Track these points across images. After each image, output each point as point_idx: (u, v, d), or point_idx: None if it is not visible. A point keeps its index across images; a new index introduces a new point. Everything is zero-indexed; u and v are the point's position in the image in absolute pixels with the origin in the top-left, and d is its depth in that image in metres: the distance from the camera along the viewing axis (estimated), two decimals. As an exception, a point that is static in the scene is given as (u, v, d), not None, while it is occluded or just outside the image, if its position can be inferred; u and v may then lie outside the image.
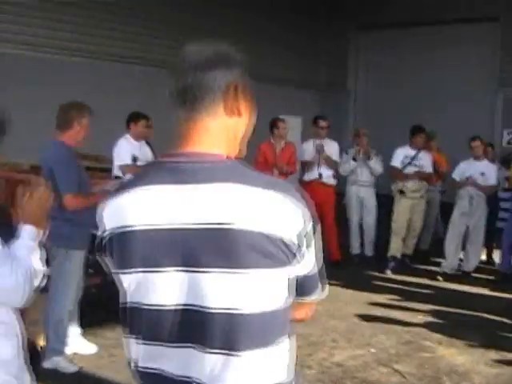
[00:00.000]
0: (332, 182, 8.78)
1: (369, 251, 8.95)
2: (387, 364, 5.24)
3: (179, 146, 1.54)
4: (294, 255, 1.47)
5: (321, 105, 16.44)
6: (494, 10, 13.77)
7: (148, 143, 7.38)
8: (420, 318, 6.55)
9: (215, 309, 1.43)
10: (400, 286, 7.87)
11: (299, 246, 1.47)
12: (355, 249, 9.02)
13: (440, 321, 6.51)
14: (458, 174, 8.41)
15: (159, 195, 1.47)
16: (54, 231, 4.23)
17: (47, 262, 4.45)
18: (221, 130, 1.53)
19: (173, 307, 1.47)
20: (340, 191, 9.12)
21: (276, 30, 14.80)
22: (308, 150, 8.79)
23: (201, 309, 1.44)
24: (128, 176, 6.71)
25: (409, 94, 15.20)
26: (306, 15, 15.65)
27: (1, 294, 2.03)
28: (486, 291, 7.81)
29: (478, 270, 8.57)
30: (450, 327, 6.27)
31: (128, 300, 1.56)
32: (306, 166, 8.79)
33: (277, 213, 1.43)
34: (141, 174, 1.57)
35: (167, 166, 1.51)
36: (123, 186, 1.55)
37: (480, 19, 14.08)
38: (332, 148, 8.80)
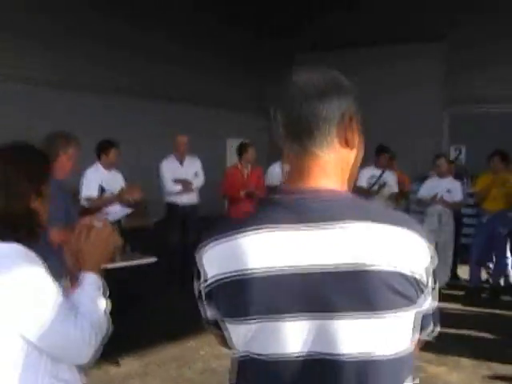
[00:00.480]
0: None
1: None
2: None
3: (294, 182, 1.44)
4: (423, 292, 1.39)
5: (269, 127, 16.55)
6: (440, 28, 14.18)
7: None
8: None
9: (349, 355, 1.34)
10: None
11: (427, 284, 1.40)
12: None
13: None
14: (424, 192, 8.51)
15: (279, 236, 1.36)
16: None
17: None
18: (336, 163, 1.45)
19: (298, 356, 1.36)
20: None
21: (218, 59, 14.96)
22: (275, 173, 8.72)
23: (332, 356, 1.34)
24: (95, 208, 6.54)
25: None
26: (250, 41, 15.85)
27: (64, 350, 1.86)
28: (459, 306, 7.88)
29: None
30: (436, 345, 6.23)
31: (241, 349, 1.44)
32: (273, 190, 8.68)
33: (409, 250, 1.36)
34: (254, 214, 1.45)
35: (285, 203, 1.41)
36: (232, 227, 1.42)
37: (427, 39, 14.50)
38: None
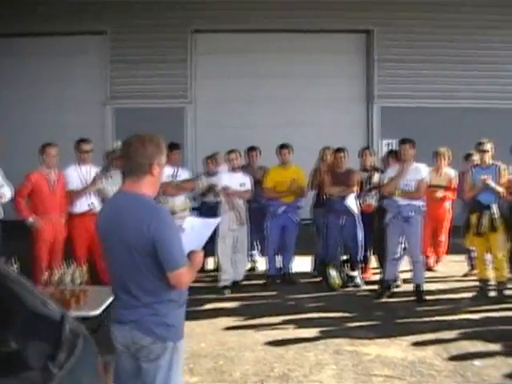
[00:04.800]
0: (102, 210, 7.97)
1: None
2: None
3: None
4: None
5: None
6: (102, 24, 14.08)
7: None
8: (303, 331, 6.74)
9: None
10: (209, 307, 7.79)
11: None
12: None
13: (312, 327, 6.84)
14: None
15: None
16: (156, 321, 3.26)
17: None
18: None
19: None
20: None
21: None
22: (72, 178, 7.71)
23: None
24: None
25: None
26: None
27: None
28: (274, 293, 8.36)
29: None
30: (326, 330, 6.75)
31: None
32: (73, 196, 7.68)
33: None
34: None
35: None
36: None
37: (89, 32, 14.19)
38: (95, 172, 8.03)
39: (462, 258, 9.58)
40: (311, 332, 6.67)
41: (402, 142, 7.98)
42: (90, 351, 3.02)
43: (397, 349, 6.12)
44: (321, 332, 6.67)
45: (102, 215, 3.45)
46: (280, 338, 6.50)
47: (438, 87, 14.35)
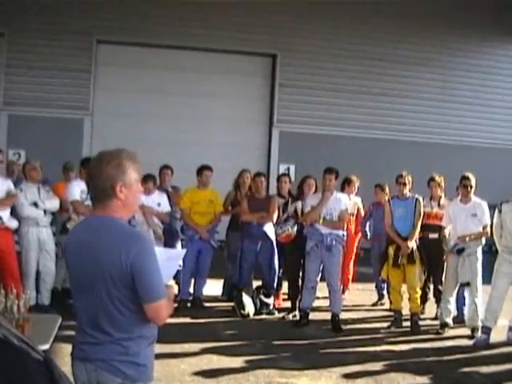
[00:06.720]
0: (14, 225, 7.33)
1: (46, 299, 7.79)
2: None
3: None
4: None
5: None
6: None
7: None
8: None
9: None
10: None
11: None
12: (32, 299, 7.65)
13: (237, 357, 6.60)
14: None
15: None
16: (125, 360, 2.90)
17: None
18: None
19: None
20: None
21: None
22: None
23: None
24: None
25: None
26: None
27: None
28: (187, 319, 8.06)
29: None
30: (252, 360, 6.53)
31: None
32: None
33: None
34: None
35: None
36: None
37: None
38: (6, 185, 7.42)
39: (366, 286, 9.70)
40: (237, 362, 6.42)
41: (327, 171, 7.95)
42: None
43: (328, 381, 6.01)
44: (246, 362, 6.44)
45: (71, 239, 3.06)
46: (206, 368, 6.21)
47: (336, 115, 14.69)
